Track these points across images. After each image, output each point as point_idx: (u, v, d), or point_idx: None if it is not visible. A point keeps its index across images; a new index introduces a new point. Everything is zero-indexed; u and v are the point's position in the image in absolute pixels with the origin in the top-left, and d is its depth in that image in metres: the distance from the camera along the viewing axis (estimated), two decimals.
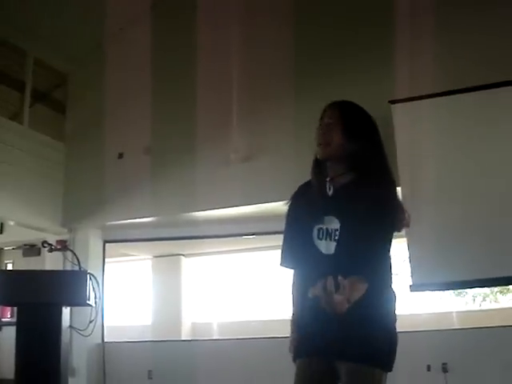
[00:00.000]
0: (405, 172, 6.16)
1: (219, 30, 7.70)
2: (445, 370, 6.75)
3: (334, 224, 2.26)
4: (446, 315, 9.60)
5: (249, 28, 7.55)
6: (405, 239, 6.15)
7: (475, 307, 12.42)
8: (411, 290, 6.10)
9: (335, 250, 2.25)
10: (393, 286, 2.36)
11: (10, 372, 4.36)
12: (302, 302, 2.34)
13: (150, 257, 10.63)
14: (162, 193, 7.72)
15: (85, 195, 8.20)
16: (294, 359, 2.36)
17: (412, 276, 6.05)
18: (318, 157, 2.35)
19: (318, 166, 2.39)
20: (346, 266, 2.14)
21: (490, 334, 6.87)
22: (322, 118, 2.40)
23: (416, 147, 6.31)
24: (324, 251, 2.27)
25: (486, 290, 12.23)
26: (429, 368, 6.83)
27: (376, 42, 6.76)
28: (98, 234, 8.58)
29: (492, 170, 5.96)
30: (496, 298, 12.88)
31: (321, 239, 2.28)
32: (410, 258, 6.12)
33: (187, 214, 7.96)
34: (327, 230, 2.27)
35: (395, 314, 2.37)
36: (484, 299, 12.97)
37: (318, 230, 2.29)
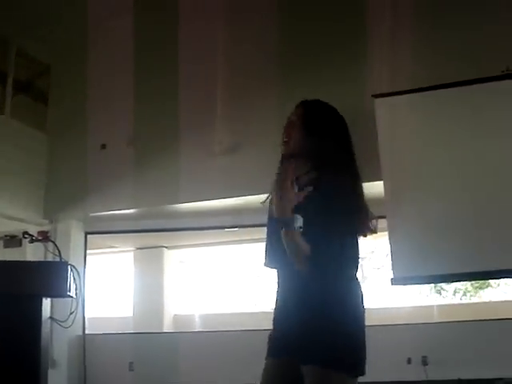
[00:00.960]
0: (386, 166, 6.21)
1: (203, 21, 7.68)
2: (425, 362, 6.81)
3: (299, 222, 2.21)
4: (427, 309, 9.67)
5: (233, 20, 7.56)
6: (386, 233, 6.19)
7: (456, 301, 12.55)
8: (392, 284, 6.14)
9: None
10: (352, 282, 2.31)
11: None
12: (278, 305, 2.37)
13: (133, 249, 10.59)
14: (145, 184, 7.70)
15: (67, 186, 8.15)
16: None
17: (393, 269, 6.09)
18: (281, 152, 2.37)
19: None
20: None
21: (469, 328, 6.94)
22: (289, 117, 2.42)
23: (398, 141, 6.34)
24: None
25: (467, 284, 12.36)
26: (409, 361, 6.89)
27: (359, 37, 6.79)
28: (80, 225, 8.53)
29: (473, 164, 6.01)
30: (476, 293, 13.00)
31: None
32: (391, 251, 6.16)
33: (170, 206, 7.95)
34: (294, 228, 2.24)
35: (355, 309, 2.32)
36: (465, 294, 13.10)
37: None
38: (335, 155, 2.31)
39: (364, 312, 2.34)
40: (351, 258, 2.30)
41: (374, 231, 2.35)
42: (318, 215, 2.16)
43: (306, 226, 2.16)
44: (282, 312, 2.31)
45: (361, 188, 2.35)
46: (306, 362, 2.18)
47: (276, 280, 2.43)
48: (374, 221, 2.33)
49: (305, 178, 2.28)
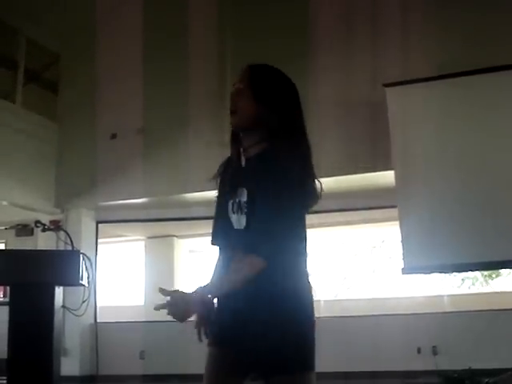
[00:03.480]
0: (398, 156, 6.19)
1: (212, 9, 7.65)
2: (435, 352, 6.81)
3: (244, 196, 2.10)
4: (437, 298, 9.66)
5: (242, 6, 7.53)
6: (397, 223, 6.18)
7: (466, 291, 12.53)
8: (403, 273, 6.14)
9: (246, 223, 2.09)
10: (299, 269, 2.12)
11: (2, 351, 4.36)
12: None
13: (143, 238, 10.63)
14: (155, 174, 7.71)
15: (78, 175, 8.18)
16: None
17: (404, 259, 6.08)
18: (231, 126, 2.20)
19: (235, 136, 2.23)
20: (248, 244, 2.01)
21: (480, 318, 6.94)
22: (234, 84, 2.21)
23: (409, 131, 6.32)
24: (235, 225, 2.13)
25: (477, 273, 12.33)
26: (419, 350, 6.90)
27: (370, 27, 6.76)
28: (91, 214, 8.58)
29: (486, 153, 5.99)
30: (487, 282, 12.98)
31: (234, 213, 2.14)
32: (402, 241, 6.16)
33: (180, 195, 7.97)
34: (239, 202, 2.12)
35: (306, 303, 2.10)
36: (473, 283, 13.07)
37: (232, 203, 2.15)
38: (284, 124, 2.11)
39: (312, 303, 2.11)
40: (300, 241, 2.12)
41: (318, 199, 2.14)
42: (267, 193, 2.01)
43: (254, 205, 2.04)
44: (226, 303, 2.12)
45: (311, 159, 2.14)
46: (273, 373, 2.03)
47: (217, 260, 2.28)
48: (318, 188, 2.12)
49: (252, 149, 2.16)
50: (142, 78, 7.64)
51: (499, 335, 6.55)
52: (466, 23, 6.50)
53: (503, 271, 11.78)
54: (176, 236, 10.47)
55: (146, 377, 7.63)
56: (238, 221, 2.13)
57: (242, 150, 2.20)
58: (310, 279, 2.13)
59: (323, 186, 2.13)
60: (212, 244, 2.29)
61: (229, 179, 2.20)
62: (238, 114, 2.15)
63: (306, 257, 2.13)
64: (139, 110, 7.69)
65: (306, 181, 2.08)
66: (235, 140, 2.23)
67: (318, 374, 2.26)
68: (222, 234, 2.23)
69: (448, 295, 10.10)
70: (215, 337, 2.19)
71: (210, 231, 2.29)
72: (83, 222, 8.36)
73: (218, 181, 2.28)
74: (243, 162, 2.19)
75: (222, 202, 2.24)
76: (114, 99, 8.04)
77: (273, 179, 2.01)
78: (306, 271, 2.12)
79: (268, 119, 2.10)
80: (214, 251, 2.33)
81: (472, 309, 7.59)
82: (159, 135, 7.84)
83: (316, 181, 2.11)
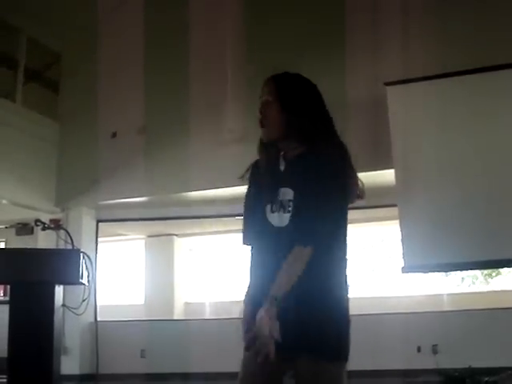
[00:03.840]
0: (398, 155, 6.19)
1: (213, 8, 7.65)
2: (435, 351, 6.81)
3: (289, 195, 2.17)
4: (437, 297, 9.66)
5: (244, 6, 7.52)
6: (397, 221, 6.18)
7: (466, 289, 12.51)
8: (403, 272, 6.14)
9: (289, 221, 2.15)
10: (343, 267, 2.21)
11: (2, 350, 4.37)
12: (254, 282, 2.26)
13: (143, 236, 10.64)
14: (156, 172, 7.72)
15: (78, 174, 8.19)
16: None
17: (404, 258, 6.08)
18: (263, 139, 2.27)
19: (265, 146, 2.30)
20: (295, 239, 2.08)
21: (480, 317, 6.94)
22: (261, 96, 2.29)
23: (410, 130, 6.32)
24: (275, 224, 2.18)
25: (477, 272, 12.32)
26: (419, 349, 6.91)
27: (371, 25, 6.77)
28: (92, 213, 8.58)
29: (486, 152, 5.99)
30: (486, 281, 12.97)
31: (273, 212, 2.20)
32: (402, 239, 6.16)
33: (181, 194, 7.97)
34: (281, 202, 2.18)
35: (346, 297, 2.19)
36: (473, 282, 13.07)
37: (272, 203, 2.20)
38: (317, 127, 2.21)
39: (348, 303, 2.20)
40: (344, 242, 2.22)
41: (361, 197, 2.25)
42: (314, 192, 2.09)
43: (300, 203, 2.11)
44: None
45: (350, 159, 2.22)
46: (315, 357, 2.09)
47: (253, 262, 2.30)
48: (361, 184, 2.23)
49: (291, 152, 2.23)
50: (143, 77, 7.64)
51: (499, 334, 6.55)
52: (467, 22, 6.50)
53: (503, 270, 11.78)
54: (176, 235, 10.48)
55: (146, 375, 7.64)
56: (280, 219, 2.18)
57: (282, 153, 2.27)
58: (349, 280, 2.21)
59: None
60: (244, 244, 2.34)
61: (266, 182, 2.25)
62: (269, 126, 2.24)
63: (347, 257, 2.22)
64: (140, 109, 7.70)
65: (348, 180, 2.18)
66: (268, 145, 2.30)
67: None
68: (254, 234, 2.28)
69: (448, 294, 10.10)
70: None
71: (242, 231, 2.35)
72: (83, 221, 8.36)
73: (248, 184, 2.36)
74: (282, 166, 2.25)
75: (252, 203, 2.30)
76: (115, 98, 8.04)
77: (319, 180, 2.10)
78: (346, 272, 2.21)
79: (300, 126, 2.19)
80: (243, 251, 2.39)
81: (472, 307, 7.59)
82: (160, 134, 7.84)
83: (358, 180, 2.21)
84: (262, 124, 2.25)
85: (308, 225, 2.09)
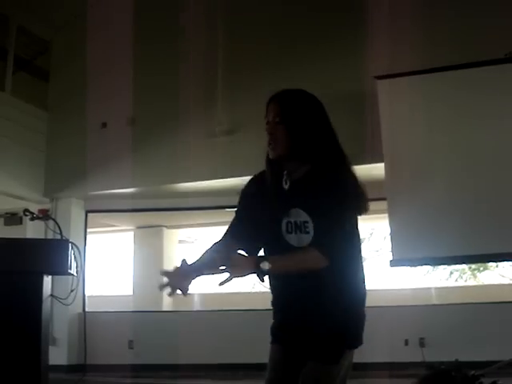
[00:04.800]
0: (388, 148, 6.21)
1: (204, 1, 7.64)
2: (422, 344, 6.86)
3: (302, 217, 2.22)
4: (425, 291, 9.72)
5: (234, 2, 7.52)
6: (386, 215, 6.20)
7: (453, 284, 12.60)
8: (391, 265, 6.17)
9: (311, 242, 2.19)
10: (360, 275, 2.31)
11: None
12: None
13: (133, 227, 10.63)
14: (145, 164, 7.70)
15: (67, 165, 8.15)
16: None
17: (392, 251, 6.11)
18: (270, 156, 2.29)
19: (270, 162, 2.33)
20: (314, 243, 2.17)
21: (467, 311, 6.99)
22: (266, 115, 2.30)
23: (400, 124, 6.34)
24: (296, 244, 2.23)
25: (465, 266, 12.40)
26: (406, 342, 6.95)
27: (360, 20, 6.77)
28: (80, 203, 8.55)
29: (474, 147, 6.01)
30: (474, 275, 13.06)
31: (290, 233, 2.24)
32: (390, 233, 6.18)
33: (170, 186, 7.96)
34: (295, 223, 2.23)
35: (359, 307, 2.34)
36: (461, 276, 13.16)
37: (287, 225, 2.25)
38: (323, 148, 2.26)
39: (364, 306, 2.37)
40: (358, 250, 2.33)
41: (368, 210, 2.33)
42: (329, 207, 2.16)
43: (317, 222, 2.18)
44: (291, 301, 2.29)
45: (355, 172, 2.31)
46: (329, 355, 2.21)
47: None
48: (368, 201, 2.32)
49: (296, 172, 2.28)
50: (133, 68, 7.61)
51: (486, 328, 6.59)
52: (454, 18, 6.53)
53: (490, 264, 11.87)
54: (165, 226, 10.47)
55: (134, 366, 7.64)
56: (299, 240, 2.23)
57: (285, 173, 2.30)
58: (366, 283, 2.33)
59: None
60: (249, 254, 2.34)
61: (271, 201, 2.30)
62: (277, 146, 2.26)
63: (362, 262, 2.32)
64: (130, 100, 7.67)
65: (358, 194, 2.27)
66: (272, 164, 2.32)
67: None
68: (261, 247, 2.35)
69: (436, 288, 10.17)
70: (278, 336, 2.36)
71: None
72: (72, 212, 8.33)
73: (243, 198, 2.45)
74: (287, 185, 2.29)
75: (249, 216, 2.36)
76: (105, 89, 8.00)
77: (332, 196, 2.17)
78: (363, 276, 2.31)
79: (306, 146, 2.24)
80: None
81: (459, 301, 7.64)
82: (149, 125, 7.83)
83: (364, 193, 2.30)
84: (270, 143, 2.27)
85: (325, 238, 2.15)
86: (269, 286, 2.38)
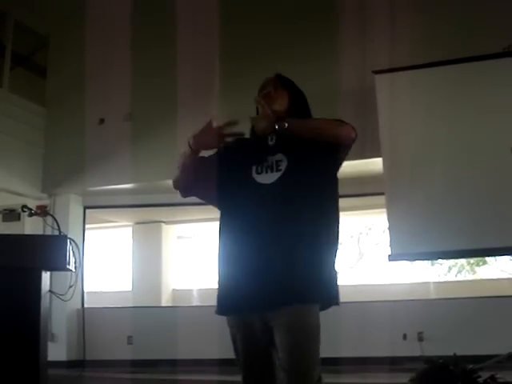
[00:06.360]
0: (386, 143, 6.20)
1: None
2: (421, 338, 6.87)
3: (278, 157, 2.31)
4: (424, 285, 9.72)
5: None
6: (384, 210, 6.20)
7: (452, 278, 12.61)
8: (390, 260, 6.16)
9: (278, 179, 2.27)
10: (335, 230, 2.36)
11: None
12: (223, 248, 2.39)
13: (131, 223, 10.62)
14: (144, 159, 7.69)
15: (65, 160, 8.15)
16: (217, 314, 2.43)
17: (391, 246, 6.11)
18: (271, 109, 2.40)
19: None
20: (288, 194, 2.23)
21: (465, 305, 7.00)
22: (262, 86, 2.56)
23: (398, 118, 6.33)
24: (261, 181, 2.31)
25: (463, 261, 12.41)
26: (405, 337, 6.96)
27: (359, 14, 6.77)
28: (79, 199, 8.55)
29: (473, 141, 6.01)
30: (473, 270, 13.07)
31: (259, 173, 2.33)
32: (389, 228, 6.18)
33: (168, 181, 7.88)
34: (270, 164, 2.32)
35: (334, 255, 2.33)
36: (460, 271, 13.17)
37: (257, 167, 2.34)
38: (306, 110, 2.51)
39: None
40: (336, 231, 2.40)
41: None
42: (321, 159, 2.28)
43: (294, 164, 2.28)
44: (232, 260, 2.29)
45: None
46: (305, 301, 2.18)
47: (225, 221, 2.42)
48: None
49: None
50: (130, 64, 7.60)
51: (485, 322, 6.61)
52: (453, 12, 6.52)
53: (489, 259, 11.87)
54: (164, 222, 10.46)
55: (133, 362, 7.64)
56: (267, 177, 2.30)
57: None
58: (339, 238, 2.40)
59: None
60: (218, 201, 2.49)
61: (250, 153, 2.41)
62: (274, 103, 2.43)
63: (337, 244, 2.38)
64: (127, 96, 7.66)
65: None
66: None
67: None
68: (227, 198, 2.42)
69: (434, 282, 10.18)
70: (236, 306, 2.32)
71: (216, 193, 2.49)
72: (71, 208, 8.33)
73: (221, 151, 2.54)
74: (272, 141, 2.40)
75: (230, 169, 2.43)
76: (102, 85, 7.99)
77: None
78: (335, 257, 2.34)
79: (298, 109, 2.45)
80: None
81: (458, 296, 7.65)
82: (147, 121, 7.83)
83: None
84: (271, 96, 2.45)
85: (307, 187, 2.28)
86: (222, 255, 2.37)
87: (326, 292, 2.22)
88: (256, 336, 2.26)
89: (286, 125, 2.22)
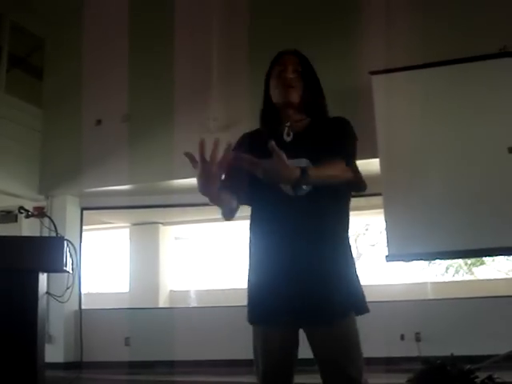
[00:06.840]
0: (383, 143, 6.20)
1: None
2: (418, 339, 6.87)
3: (303, 163, 2.17)
4: (421, 286, 9.73)
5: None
6: (382, 210, 6.21)
7: (449, 278, 12.63)
8: (387, 260, 6.16)
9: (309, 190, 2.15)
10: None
11: None
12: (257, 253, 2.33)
13: (128, 225, 10.62)
14: (141, 160, 7.69)
15: (62, 162, 8.14)
16: (250, 323, 2.33)
17: (388, 246, 6.11)
18: (282, 99, 2.34)
19: (270, 112, 2.38)
20: (316, 207, 2.19)
21: (463, 305, 7.00)
22: (279, 64, 2.48)
23: (395, 119, 6.33)
24: (288, 190, 2.18)
25: (460, 261, 12.43)
26: (402, 337, 6.96)
27: (356, 15, 6.79)
28: (76, 201, 8.54)
29: (470, 141, 6.01)
30: (470, 270, 13.09)
31: None
32: (386, 228, 6.18)
33: (166, 182, 7.95)
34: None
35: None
36: (457, 271, 13.19)
37: None
38: (325, 104, 2.48)
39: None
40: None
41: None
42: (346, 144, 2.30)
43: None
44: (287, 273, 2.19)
45: None
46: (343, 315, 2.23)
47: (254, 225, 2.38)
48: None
49: (299, 124, 2.36)
50: (127, 65, 7.60)
51: (482, 322, 6.61)
52: (449, 13, 6.54)
53: (487, 259, 11.89)
54: (161, 223, 10.46)
55: (131, 363, 7.64)
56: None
57: (288, 124, 2.34)
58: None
59: None
60: (244, 203, 2.42)
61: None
62: (298, 91, 2.36)
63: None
64: (124, 97, 7.65)
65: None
66: (269, 118, 2.39)
67: (303, 360, 2.29)
68: (255, 199, 2.36)
69: (432, 282, 10.19)
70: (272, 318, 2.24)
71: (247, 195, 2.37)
72: (68, 209, 8.32)
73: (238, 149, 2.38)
74: (289, 137, 2.32)
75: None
76: (99, 86, 7.99)
77: (350, 137, 2.35)
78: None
79: (316, 99, 2.41)
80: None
81: (455, 296, 7.66)
82: (144, 122, 7.82)
83: None
84: (291, 85, 2.36)
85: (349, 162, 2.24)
86: (256, 265, 2.32)
87: (361, 300, 2.32)
88: (281, 352, 2.26)
89: (306, 185, 2.07)
